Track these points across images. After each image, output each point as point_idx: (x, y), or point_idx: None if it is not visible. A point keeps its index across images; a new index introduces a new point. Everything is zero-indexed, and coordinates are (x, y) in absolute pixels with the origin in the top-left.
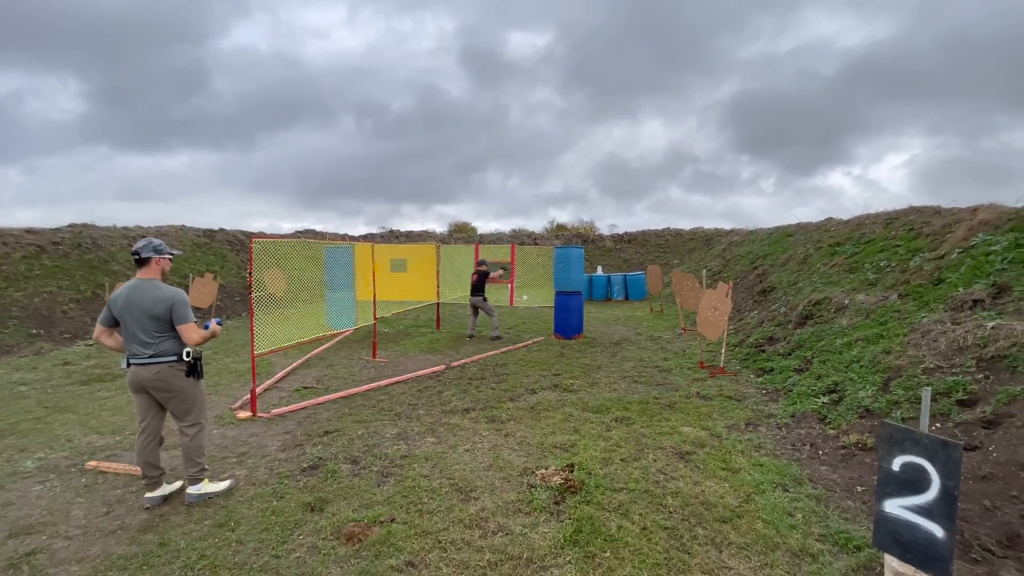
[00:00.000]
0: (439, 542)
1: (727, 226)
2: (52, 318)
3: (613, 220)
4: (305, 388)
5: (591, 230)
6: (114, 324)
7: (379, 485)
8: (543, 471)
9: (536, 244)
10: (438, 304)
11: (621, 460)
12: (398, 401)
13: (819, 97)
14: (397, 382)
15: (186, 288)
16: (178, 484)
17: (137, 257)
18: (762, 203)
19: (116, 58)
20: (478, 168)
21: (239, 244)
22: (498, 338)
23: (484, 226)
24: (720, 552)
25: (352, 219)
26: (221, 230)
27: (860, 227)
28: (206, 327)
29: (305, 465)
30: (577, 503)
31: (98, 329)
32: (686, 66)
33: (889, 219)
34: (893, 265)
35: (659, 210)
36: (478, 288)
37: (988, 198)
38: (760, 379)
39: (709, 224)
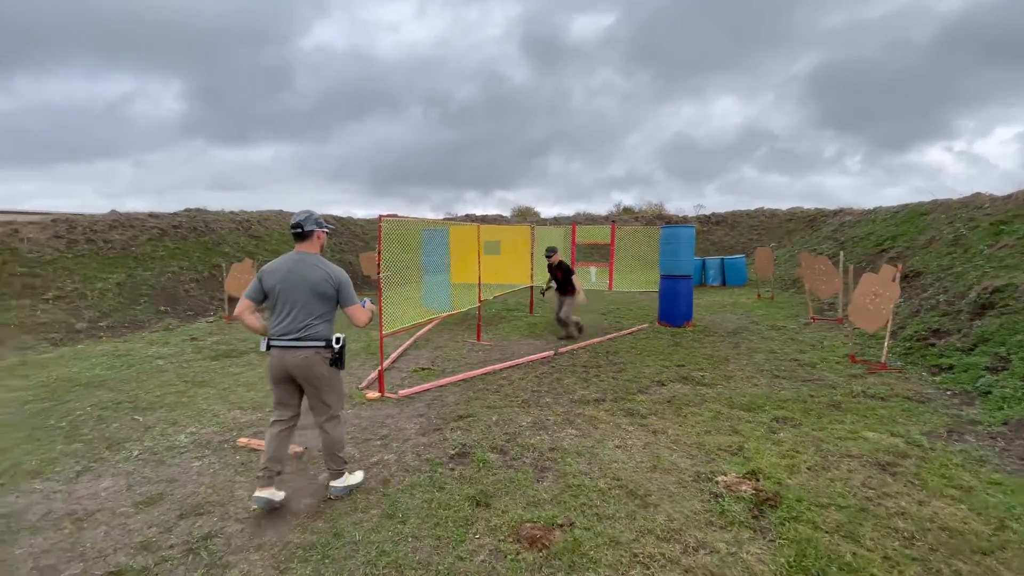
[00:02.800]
0: (635, 556)
1: (807, 205)
2: (176, 296)
3: (683, 202)
4: (423, 369)
5: (660, 212)
6: (263, 300)
7: (538, 480)
8: (723, 478)
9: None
10: (531, 288)
11: (808, 469)
12: (519, 387)
13: (913, 66)
14: (511, 367)
15: None
16: (282, 495)
17: (299, 231)
18: (848, 182)
19: (212, 60)
20: (540, 153)
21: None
22: (568, 337)
23: (546, 211)
24: None
25: (418, 205)
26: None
27: None
28: (362, 304)
29: (452, 452)
30: (783, 519)
31: (243, 304)
32: (761, 40)
33: None
34: None
35: (731, 191)
36: (564, 286)
37: None
38: (937, 378)
39: (787, 204)
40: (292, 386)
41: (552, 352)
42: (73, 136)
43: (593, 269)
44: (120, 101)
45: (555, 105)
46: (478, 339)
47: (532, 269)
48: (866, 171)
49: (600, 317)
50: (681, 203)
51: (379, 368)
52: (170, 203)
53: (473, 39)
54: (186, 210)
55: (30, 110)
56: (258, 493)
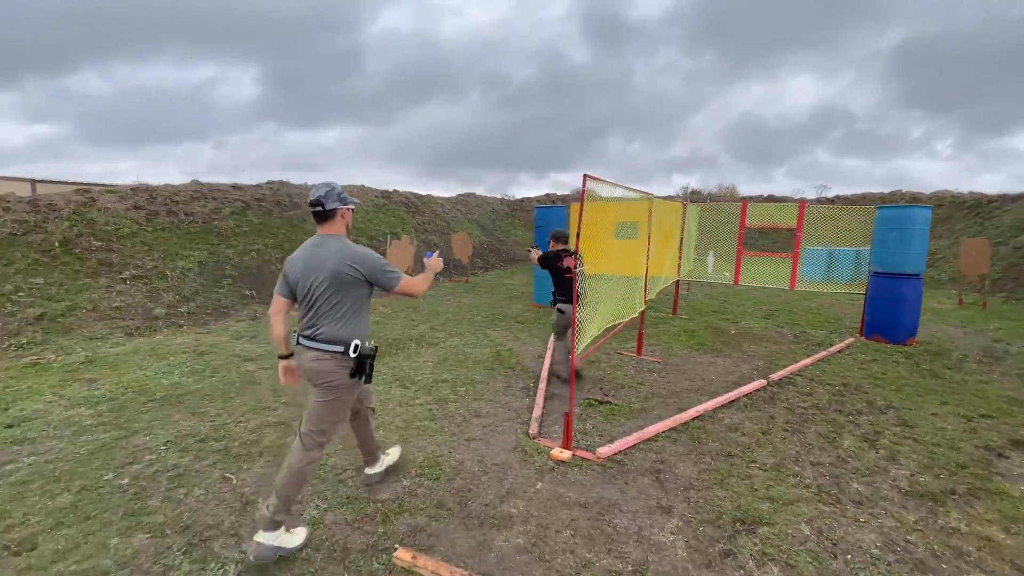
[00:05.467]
0: None
1: (960, 188)
2: (262, 278)
3: (748, 185)
4: (598, 402)
5: (732, 195)
6: (294, 296)
7: None
8: None
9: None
10: (677, 282)
11: None
12: (777, 450)
13: (1016, 41)
14: (723, 405)
15: (384, 253)
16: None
17: (320, 209)
18: (936, 168)
19: (287, 45)
20: (598, 134)
21: (412, 206)
22: (561, 376)
23: (605, 193)
24: None
25: (473, 187)
26: (395, 191)
27: None
28: (427, 256)
29: None
30: None
31: (275, 304)
32: (843, 12)
33: None
34: None
35: (802, 175)
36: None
37: None
38: None
39: (869, 189)
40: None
41: (763, 381)
42: (163, 119)
43: (711, 256)
44: (204, 86)
45: (616, 85)
46: (638, 352)
47: (680, 258)
48: (958, 156)
49: (770, 324)
50: (747, 185)
51: (567, 416)
52: (246, 181)
53: (535, 19)
54: (268, 183)
55: (126, 94)
56: (368, 471)
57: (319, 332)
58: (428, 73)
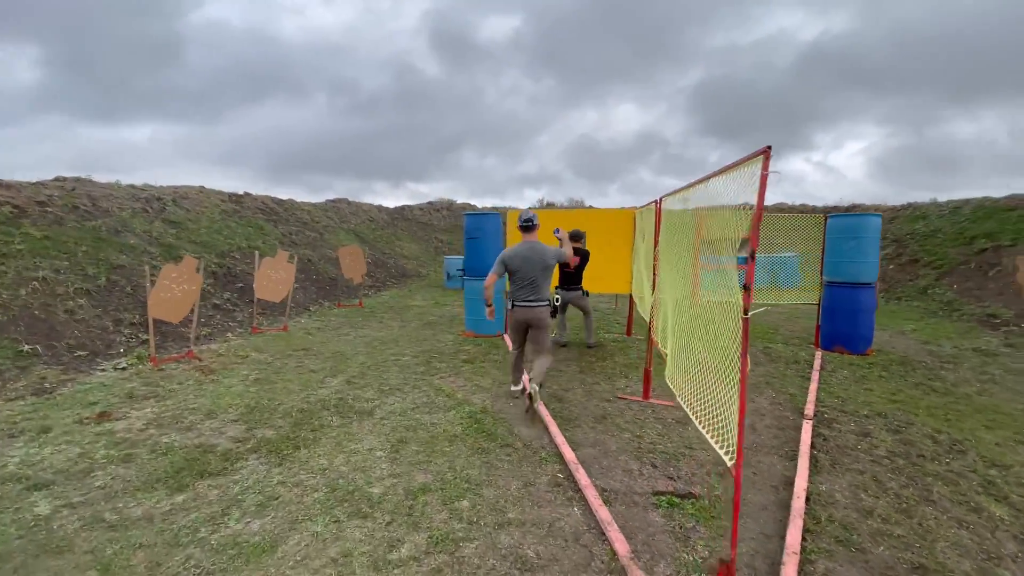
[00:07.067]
0: None
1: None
2: (52, 322)
3: (586, 199)
4: (678, 496)
5: (581, 207)
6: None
7: None
8: None
9: None
10: (631, 297)
11: None
12: (946, 540)
13: (779, 85)
14: (809, 469)
15: (243, 273)
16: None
17: (531, 224)
18: (732, 186)
19: (80, 27)
20: (453, 147)
21: (273, 213)
22: (593, 346)
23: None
24: None
25: (322, 194)
26: (247, 195)
27: None
28: (557, 232)
29: None
30: None
31: (491, 278)
32: (655, 53)
33: None
34: None
35: (632, 191)
36: (575, 277)
37: (938, 186)
38: None
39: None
40: (525, 332)
41: (808, 423)
42: None
43: None
44: None
45: (467, 101)
46: (645, 396)
47: (632, 272)
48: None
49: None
50: (590, 201)
51: (724, 561)
52: (20, 178)
53: (384, 30)
54: (57, 179)
55: None
56: (514, 388)
57: (541, 296)
58: (265, 72)
